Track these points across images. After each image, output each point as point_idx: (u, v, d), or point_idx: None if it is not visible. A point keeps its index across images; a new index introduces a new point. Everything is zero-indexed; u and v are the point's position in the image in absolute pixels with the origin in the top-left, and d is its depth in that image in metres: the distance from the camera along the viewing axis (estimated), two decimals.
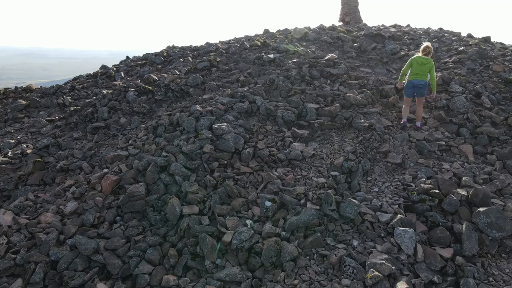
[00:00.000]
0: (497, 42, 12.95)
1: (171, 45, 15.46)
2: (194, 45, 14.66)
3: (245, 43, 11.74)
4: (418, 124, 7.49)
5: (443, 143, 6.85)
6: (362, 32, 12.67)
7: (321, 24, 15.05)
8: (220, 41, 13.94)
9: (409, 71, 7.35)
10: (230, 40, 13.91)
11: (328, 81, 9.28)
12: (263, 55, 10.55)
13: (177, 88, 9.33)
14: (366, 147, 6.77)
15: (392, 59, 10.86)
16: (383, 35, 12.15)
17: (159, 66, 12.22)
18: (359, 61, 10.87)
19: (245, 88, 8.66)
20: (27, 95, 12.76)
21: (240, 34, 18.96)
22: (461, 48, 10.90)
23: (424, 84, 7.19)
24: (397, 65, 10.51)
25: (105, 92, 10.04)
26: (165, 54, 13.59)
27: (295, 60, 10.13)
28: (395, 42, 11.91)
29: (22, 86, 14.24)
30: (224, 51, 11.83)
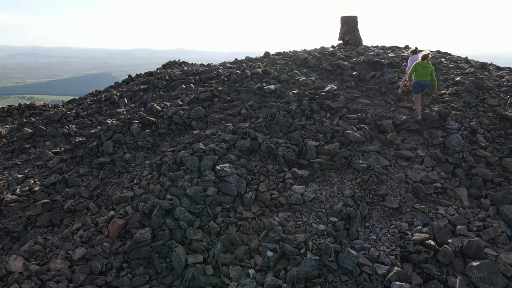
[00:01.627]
0: (493, 67, 13.24)
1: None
2: (195, 62, 14.99)
3: (246, 71, 12.02)
4: (419, 117, 9.27)
5: (439, 185, 7.10)
6: (362, 58, 12.96)
7: (322, 47, 15.38)
8: (221, 65, 14.22)
9: (414, 74, 9.20)
10: (231, 64, 14.21)
11: (328, 115, 9.54)
12: (264, 85, 10.82)
13: (180, 121, 9.60)
14: (365, 189, 7.02)
15: (390, 88, 11.14)
16: (381, 62, 12.44)
17: (162, 93, 12.50)
18: (358, 91, 11.15)
19: (246, 124, 8.92)
20: (30, 112, 13.04)
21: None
22: (458, 78, 11.18)
23: (428, 83, 9.26)
24: (392, 96, 10.77)
25: (109, 122, 10.30)
26: (167, 77, 13.88)
27: (295, 91, 10.40)
28: (394, 70, 12.20)
29: (25, 103, 14.54)
30: (226, 79, 12.11)
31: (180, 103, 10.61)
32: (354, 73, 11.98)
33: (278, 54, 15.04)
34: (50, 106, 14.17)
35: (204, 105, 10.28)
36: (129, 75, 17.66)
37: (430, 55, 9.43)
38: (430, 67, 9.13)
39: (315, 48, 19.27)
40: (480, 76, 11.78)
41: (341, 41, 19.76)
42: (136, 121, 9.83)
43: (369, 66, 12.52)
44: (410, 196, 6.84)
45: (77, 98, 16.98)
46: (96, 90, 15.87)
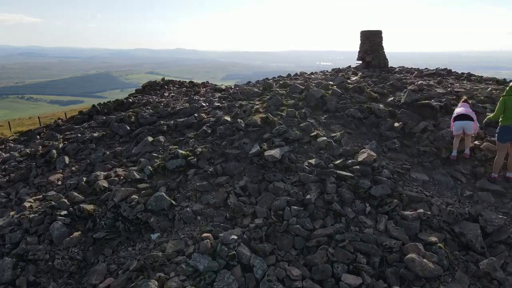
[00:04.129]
0: None
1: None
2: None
3: (240, 120, 8.53)
4: (510, 174, 6.85)
5: None
6: (402, 98, 9.49)
7: (342, 75, 11.95)
8: (206, 106, 10.71)
9: (503, 115, 6.68)
10: (218, 103, 10.69)
11: (368, 208, 6.08)
12: (264, 148, 7.36)
13: (131, 216, 6.14)
14: None
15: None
16: (433, 106, 8.98)
17: (119, 148, 9.03)
18: (406, 156, 7.69)
19: (235, 234, 5.41)
20: None
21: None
22: None
23: None
24: (467, 166, 7.30)
25: (28, 206, 6.83)
26: (132, 119, 10.45)
27: (313, 161, 6.96)
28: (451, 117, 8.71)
29: None
30: (209, 130, 8.64)
31: (137, 176, 7.13)
32: (396, 124, 8.51)
33: (284, 86, 11.56)
34: None
35: (172, 186, 6.78)
36: (93, 105, 14.25)
37: None
38: None
39: (331, 71, 15.90)
40: None
41: (360, 62, 16.39)
42: (62, 213, 6.37)
43: (414, 110, 9.08)
44: None
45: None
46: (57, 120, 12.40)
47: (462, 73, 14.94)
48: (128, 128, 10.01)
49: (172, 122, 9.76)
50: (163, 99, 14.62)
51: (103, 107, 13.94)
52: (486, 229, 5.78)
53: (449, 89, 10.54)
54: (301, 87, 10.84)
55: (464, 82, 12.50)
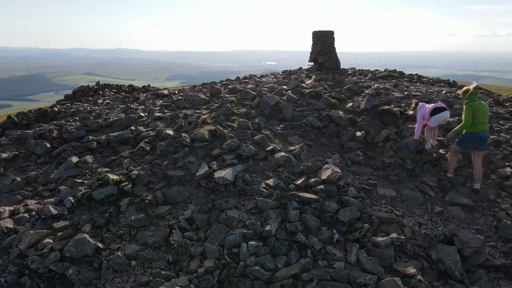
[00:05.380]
0: None
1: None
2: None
3: (184, 135, 7.42)
4: (478, 186, 6.52)
5: None
6: (362, 104, 8.96)
7: (295, 80, 11.25)
8: (145, 116, 9.44)
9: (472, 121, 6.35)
10: (159, 113, 9.47)
11: (336, 236, 5.31)
12: (214, 168, 6.35)
13: (41, 268, 4.88)
14: None
15: (419, 162, 7.18)
16: (393, 112, 8.51)
17: (34, 173, 7.53)
18: (370, 169, 7.07)
19: None
20: None
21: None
22: None
23: (488, 135, 6.62)
24: (433, 178, 6.83)
25: None
26: (54, 134, 8.94)
27: (271, 182, 6.08)
28: (412, 123, 8.33)
29: None
30: (149, 147, 7.46)
31: (54, 211, 5.79)
32: (358, 133, 7.90)
33: (234, 91, 10.59)
34: None
35: (99, 222, 5.54)
36: (9, 116, 12.32)
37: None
38: (487, 106, 6.54)
39: (282, 74, 15.21)
40: None
41: (312, 63, 15.92)
42: None
43: (374, 117, 8.57)
44: None
45: None
46: None
47: (411, 74, 14.97)
48: (49, 145, 8.46)
49: (103, 137, 8.39)
50: (96, 107, 13.03)
51: (21, 118, 12.04)
52: (463, 252, 5.27)
53: (406, 92, 10.23)
54: (253, 92, 9.96)
55: (418, 84, 12.38)
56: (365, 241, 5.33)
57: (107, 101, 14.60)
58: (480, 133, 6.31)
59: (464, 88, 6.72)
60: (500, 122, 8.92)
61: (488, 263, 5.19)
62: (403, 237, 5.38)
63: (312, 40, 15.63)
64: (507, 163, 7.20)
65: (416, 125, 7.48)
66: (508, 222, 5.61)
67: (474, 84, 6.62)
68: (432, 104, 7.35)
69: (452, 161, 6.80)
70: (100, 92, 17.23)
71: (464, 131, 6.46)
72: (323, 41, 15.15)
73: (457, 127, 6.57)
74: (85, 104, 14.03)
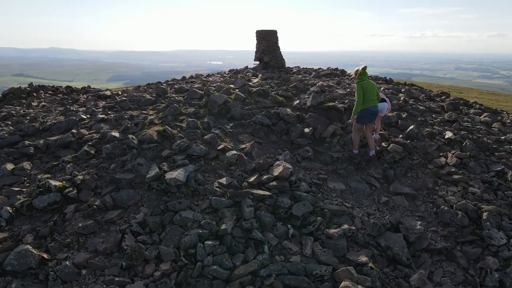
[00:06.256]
0: (464, 107, 10.92)
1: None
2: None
3: (131, 137, 7.18)
4: (373, 153, 7.48)
5: None
6: (308, 101, 9.27)
7: (242, 79, 11.34)
8: (87, 119, 8.96)
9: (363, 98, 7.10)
10: (103, 115, 9.06)
11: (291, 231, 5.48)
12: (165, 170, 6.22)
13: None
14: None
15: (365, 155, 7.61)
16: (338, 108, 8.91)
17: None
18: (320, 164, 7.35)
19: None
20: None
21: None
22: (449, 134, 8.26)
23: (378, 108, 7.39)
24: (378, 170, 7.28)
25: None
26: None
27: (223, 181, 6.10)
28: None
29: None
30: (93, 150, 7.11)
31: None
32: (306, 130, 8.16)
33: (180, 91, 10.43)
34: None
35: (42, 232, 5.20)
36: None
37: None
38: (375, 85, 7.41)
39: (229, 73, 15.23)
40: (466, 125, 9.14)
41: (258, 62, 16.13)
42: None
43: (321, 113, 8.92)
44: None
45: None
46: None
47: (352, 73, 15.77)
48: None
49: (41, 141, 7.84)
50: (31, 111, 12.14)
51: None
52: (408, 238, 5.69)
53: (348, 89, 10.76)
54: (200, 92, 9.88)
55: None
56: (319, 234, 5.55)
57: (43, 103, 13.69)
58: (371, 108, 7.13)
59: (355, 69, 7.48)
60: (433, 116, 9.72)
61: (431, 247, 5.66)
62: (354, 228, 5.69)
63: (256, 39, 15.84)
64: (441, 153, 7.87)
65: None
66: (446, 208, 6.15)
67: (363, 66, 7.37)
68: None
69: (355, 138, 7.52)
70: (34, 94, 16.09)
71: (359, 109, 7.14)
72: (267, 40, 15.41)
73: (354, 108, 7.19)
74: (17, 107, 13.03)
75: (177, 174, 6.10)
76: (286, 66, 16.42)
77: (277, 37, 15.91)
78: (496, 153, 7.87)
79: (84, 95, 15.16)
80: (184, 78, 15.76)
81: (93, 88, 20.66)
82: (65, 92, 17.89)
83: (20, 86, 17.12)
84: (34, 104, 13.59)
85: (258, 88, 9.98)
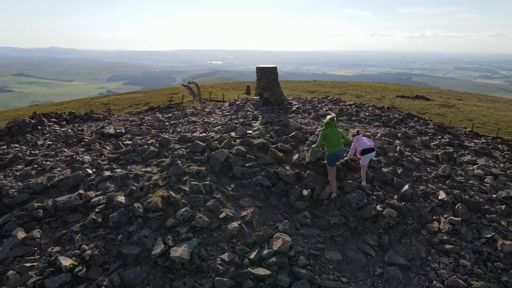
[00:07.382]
0: (459, 158, 11.25)
1: None
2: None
3: (137, 206, 7.52)
4: (334, 195, 8.44)
5: None
6: (306, 157, 9.61)
7: (243, 127, 11.70)
8: (93, 174, 9.30)
9: (326, 145, 8.54)
10: (109, 171, 9.39)
11: None
12: (170, 246, 6.56)
13: None
14: None
15: (361, 219, 7.93)
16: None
17: None
18: (318, 230, 7.68)
19: None
20: None
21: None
22: (443, 195, 8.59)
23: (343, 152, 8.70)
24: (374, 237, 7.59)
25: None
26: None
27: (226, 258, 6.44)
28: (353, 175, 9.11)
29: None
30: (100, 218, 7.44)
31: None
32: (304, 192, 8.51)
33: (183, 141, 10.78)
34: None
35: None
36: None
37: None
38: (340, 132, 8.80)
39: (229, 107, 15.59)
40: (460, 179, 9.48)
41: (257, 98, 16.53)
42: None
43: (319, 171, 9.27)
44: None
45: None
46: None
47: (350, 110, 16.18)
48: None
49: (50, 202, 8.18)
50: (37, 152, 12.49)
51: None
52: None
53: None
54: (202, 144, 10.23)
55: (356, 124, 13.48)
56: None
57: (48, 142, 14.03)
58: (336, 153, 8.42)
59: (327, 117, 8.76)
60: (428, 169, 10.06)
61: None
62: None
63: (257, 75, 16.29)
64: (434, 217, 8.20)
65: (350, 151, 9.23)
66: (438, 285, 6.46)
67: (332, 115, 8.77)
68: (364, 142, 8.71)
69: (332, 181, 8.47)
70: (39, 127, 16.49)
71: (326, 154, 8.51)
72: (267, 77, 15.87)
73: (312, 148, 9.30)
74: (23, 147, 13.38)
75: (182, 251, 6.42)
76: (285, 101, 16.86)
77: (277, 73, 16.34)
78: (487, 215, 8.20)
79: (88, 131, 15.52)
80: (186, 114, 16.08)
81: (95, 114, 21.13)
82: (68, 119, 18.37)
83: (24, 119, 17.51)
84: (39, 142, 13.94)
85: (259, 141, 10.32)
